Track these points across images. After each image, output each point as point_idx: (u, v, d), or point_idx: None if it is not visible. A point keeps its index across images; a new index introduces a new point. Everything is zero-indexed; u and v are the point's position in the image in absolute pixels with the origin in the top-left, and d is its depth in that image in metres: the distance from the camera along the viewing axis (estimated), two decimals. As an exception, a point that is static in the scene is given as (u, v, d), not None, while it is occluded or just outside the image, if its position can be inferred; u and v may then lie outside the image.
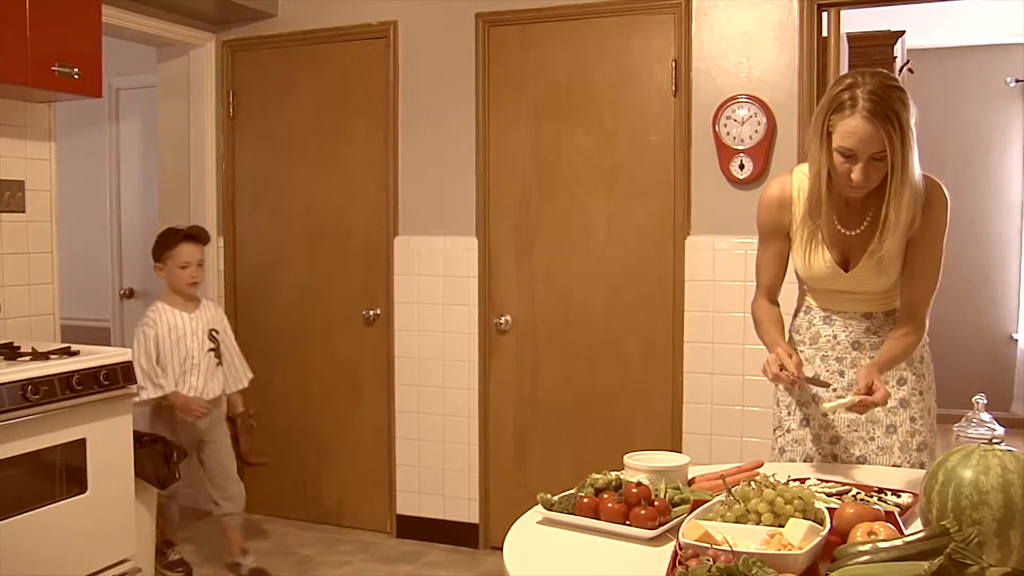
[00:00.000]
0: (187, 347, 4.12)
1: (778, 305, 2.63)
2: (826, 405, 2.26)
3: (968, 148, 7.00)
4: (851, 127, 2.23)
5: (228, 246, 5.13)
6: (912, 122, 2.24)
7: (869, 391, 2.25)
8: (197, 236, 4.20)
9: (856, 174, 2.26)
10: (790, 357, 2.33)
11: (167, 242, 4.14)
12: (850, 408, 2.28)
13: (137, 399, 3.76)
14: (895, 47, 5.28)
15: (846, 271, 2.46)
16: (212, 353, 4.21)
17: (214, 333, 4.25)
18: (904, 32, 5.36)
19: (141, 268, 5.75)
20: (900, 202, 2.28)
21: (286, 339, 5.02)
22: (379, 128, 4.74)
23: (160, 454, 3.88)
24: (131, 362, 3.56)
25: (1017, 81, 6.92)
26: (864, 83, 2.23)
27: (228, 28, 5.04)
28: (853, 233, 2.43)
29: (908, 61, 5.84)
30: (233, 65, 5.07)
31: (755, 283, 2.66)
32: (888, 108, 2.19)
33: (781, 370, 2.31)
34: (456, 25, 4.54)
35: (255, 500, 5.14)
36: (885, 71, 2.31)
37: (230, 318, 5.09)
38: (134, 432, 3.62)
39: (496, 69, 4.49)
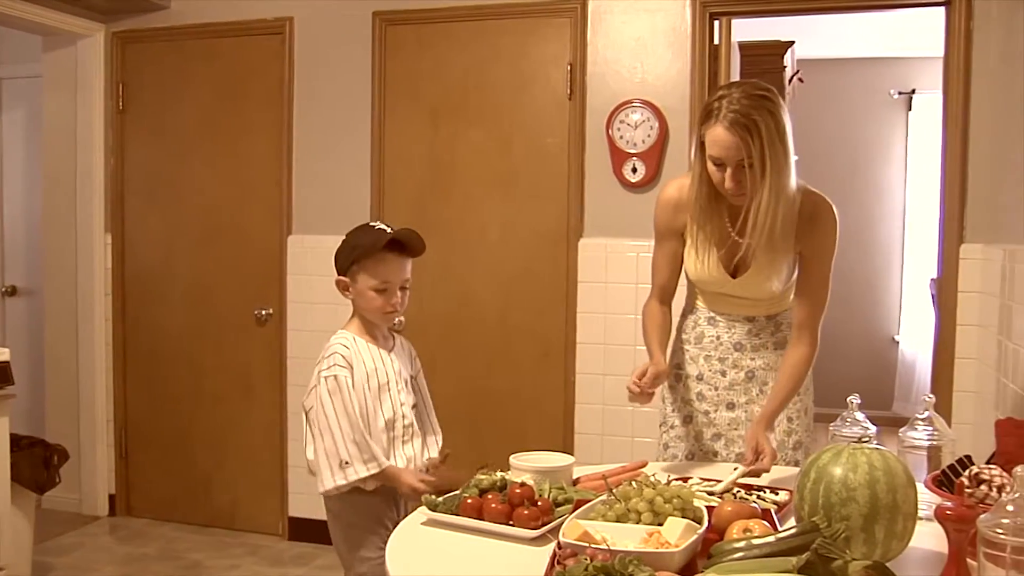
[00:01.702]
0: (394, 400, 2.67)
1: (669, 307, 2.67)
2: (717, 488, 2.20)
3: (854, 157, 7.23)
4: (714, 136, 2.31)
5: (116, 243, 4.99)
6: (783, 130, 2.30)
7: (757, 454, 2.32)
8: (409, 245, 2.67)
9: (727, 182, 2.33)
10: (644, 375, 2.38)
11: (361, 247, 2.62)
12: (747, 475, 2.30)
13: (325, 487, 2.54)
14: (785, 56, 5.42)
15: (734, 277, 2.52)
16: (413, 411, 2.77)
17: (413, 382, 2.84)
18: (793, 42, 5.50)
19: (24, 264, 5.58)
20: (759, 204, 2.33)
21: (177, 338, 4.91)
22: (274, 125, 4.67)
23: (39, 457, 3.76)
24: (7, 362, 3.42)
25: (900, 93, 7.17)
26: (731, 94, 2.30)
27: (118, 19, 4.90)
28: (744, 240, 2.47)
29: (798, 71, 6.00)
30: (123, 57, 4.93)
31: (650, 283, 2.69)
32: (747, 117, 2.25)
33: (640, 381, 2.37)
34: (353, 23, 4.50)
35: (141, 504, 5.03)
36: (757, 81, 2.38)
37: (117, 318, 4.99)
38: (11, 434, 3.50)
39: (393, 68, 4.47)
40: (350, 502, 2.59)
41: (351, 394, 2.55)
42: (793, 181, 2.38)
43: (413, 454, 2.68)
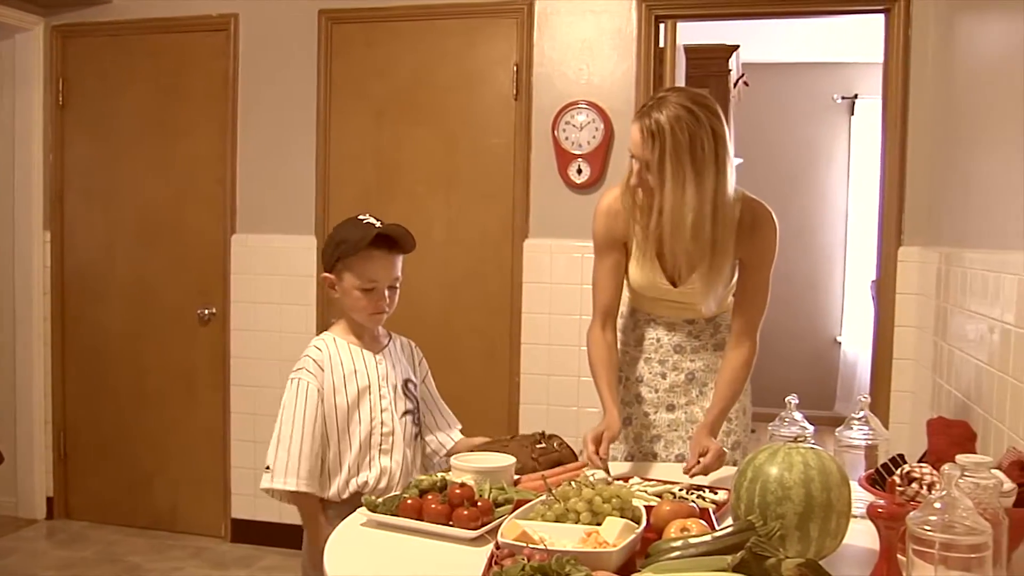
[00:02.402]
0: (373, 406, 2.47)
1: (615, 335, 2.63)
2: (642, 489, 2.17)
3: (797, 161, 7.33)
4: (631, 131, 2.37)
5: (55, 241, 4.90)
6: (697, 148, 2.29)
7: (700, 457, 2.33)
8: (399, 240, 2.47)
9: (633, 177, 2.39)
10: (599, 440, 2.38)
11: (347, 243, 2.43)
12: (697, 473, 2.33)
13: (264, 484, 2.42)
14: (730, 60, 5.48)
15: (676, 286, 2.53)
16: (409, 418, 2.55)
17: (410, 387, 2.59)
18: (738, 47, 5.56)
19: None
20: (658, 212, 2.36)
21: (118, 338, 4.83)
22: (218, 123, 4.62)
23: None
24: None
25: (843, 98, 7.29)
26: (667, 97, 2.32)
27: (58, 12, 4.81)
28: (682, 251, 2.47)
29: (743, 74, 6.06)
30: (64, 52, 4.84)
31: (592, 305, 2.62)
32: (658, 124, 2.28)
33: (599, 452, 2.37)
34: (299, 21, 4.47)
35: (80, 506, 4.95)
36: (700, 94, 2.38)
37: (56, 317, 4.90)
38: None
39: (339, 67, 4.44)
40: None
41: (307, 402, 2.39)
42: (730, 189, 2.38)
43: (390, 466, 2.45)
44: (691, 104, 2.30)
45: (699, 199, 2.32)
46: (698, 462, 2.31)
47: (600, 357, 2.57)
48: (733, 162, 2.39)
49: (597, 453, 2.37)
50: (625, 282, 2.65)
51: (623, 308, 2.72)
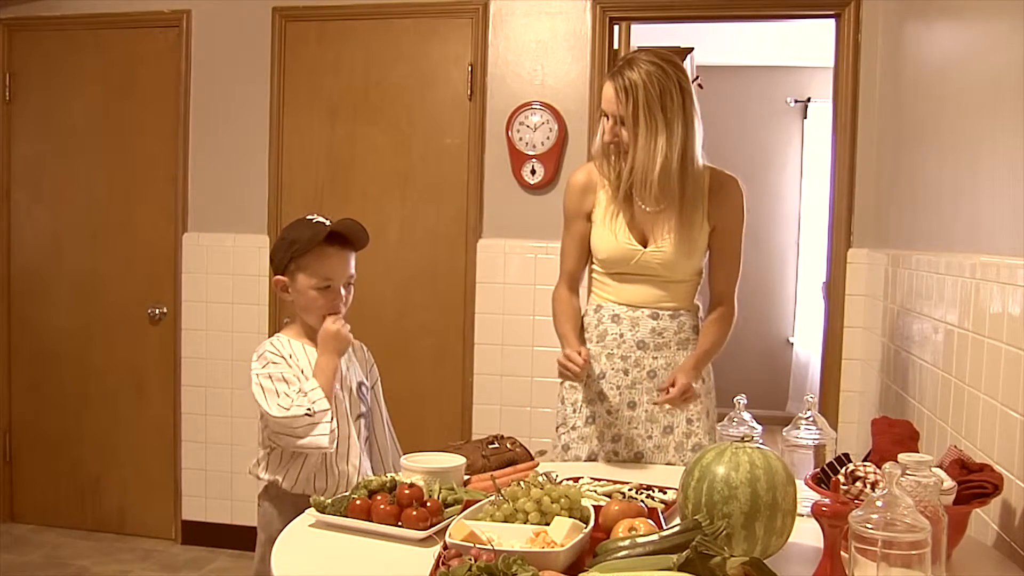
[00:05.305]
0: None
1: (578, 295, 2.78)
2: (592, 489, 2.20)
3: (752, 163, 7.37)
4: (604, 89, 2.56)
5: (2, 238, 4.82)
6: (668, 99, 2.47)
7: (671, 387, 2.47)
8: (352, 237, 2.46)
9: (606, 134, 2.56)
10: (579, 355, 2.50)
11: (299, 243, 2.39)
12: (667, 404, 2.51)
13: (323, 444, 2.29)
14: (684, 62, 5.49)
15: (645, 248, 2.60)
16: (362, 421, 2.53)
17: (363, 390, 2.58)
18: (693, 49, 5.58)
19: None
20: (631, 163, 2.51)
21: (65, 338, 4.76)
22: (170, 120, 4.57)
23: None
24: None
25: (797, 101, 7.36)
26: (637, 57, 2.52)
27: (5, 5, 4.73)
28: (653, 210, 2.58)
29: (697, 77, 6.09)
30: (10, 46, 4.77)
31: (559, 270, 2.78)
32: (630, 79, 2.47)
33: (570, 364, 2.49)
34: (252, 18, 4.44)
35: (25, 509, 4.87)
36: (668, 53, 2.56)
37: (1, 316, 4.82)
38: None
39: (292, 65, 4.41)
40: (277, 511, 2.34)
41: (275, 385, 2.30)
42: (698, 145, 2.55)
43: (346, 471, 2.40)
44: (660, 61, 2.50)
45: (668, 148, 2.49)
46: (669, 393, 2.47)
47: (564, 309, 2.73)
48: (699, 120, 2.56)
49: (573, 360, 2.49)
50: (596, 276, 2.75)
51: (588, 306, 2.76)
